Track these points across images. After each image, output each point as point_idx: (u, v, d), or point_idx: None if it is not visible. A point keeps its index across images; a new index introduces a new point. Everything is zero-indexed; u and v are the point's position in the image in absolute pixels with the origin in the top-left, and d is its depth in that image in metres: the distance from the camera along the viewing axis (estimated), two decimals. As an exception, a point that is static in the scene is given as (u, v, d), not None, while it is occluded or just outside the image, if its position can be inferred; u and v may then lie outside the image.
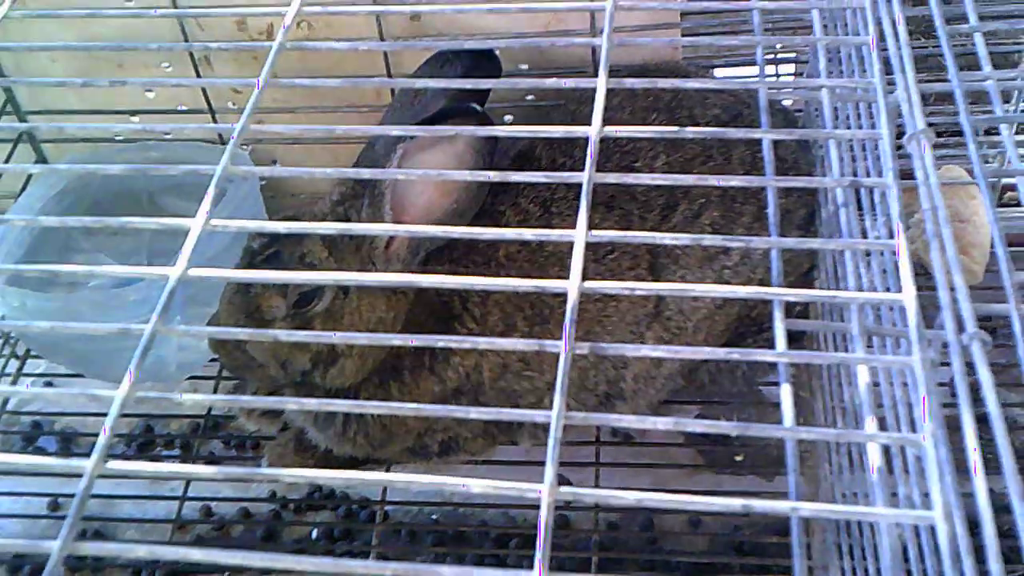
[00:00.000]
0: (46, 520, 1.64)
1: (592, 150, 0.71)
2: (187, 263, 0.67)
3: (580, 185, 1.27)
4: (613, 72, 1.44)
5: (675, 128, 0.73)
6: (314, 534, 1.64)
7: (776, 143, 1.31)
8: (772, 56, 1.69)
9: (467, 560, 1.54)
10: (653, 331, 1.27)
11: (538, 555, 0.53)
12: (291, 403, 0.63)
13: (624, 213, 1.25)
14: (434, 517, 1.63)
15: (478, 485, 0.56)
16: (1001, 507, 0.57)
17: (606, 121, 1.34)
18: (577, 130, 0.73)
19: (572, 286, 0.63)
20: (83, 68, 1.48)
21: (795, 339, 1.28)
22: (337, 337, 0.72)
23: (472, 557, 1.55)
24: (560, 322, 1.26)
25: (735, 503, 0.53)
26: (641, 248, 1.25)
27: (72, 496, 1.65)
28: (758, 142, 1.24)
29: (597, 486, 1.41)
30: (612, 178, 0.70)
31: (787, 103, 1.54)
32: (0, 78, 1.28)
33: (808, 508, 0.52)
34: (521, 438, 1.36)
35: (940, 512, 0.50)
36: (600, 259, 1.25)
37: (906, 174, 1.45)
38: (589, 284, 0.63)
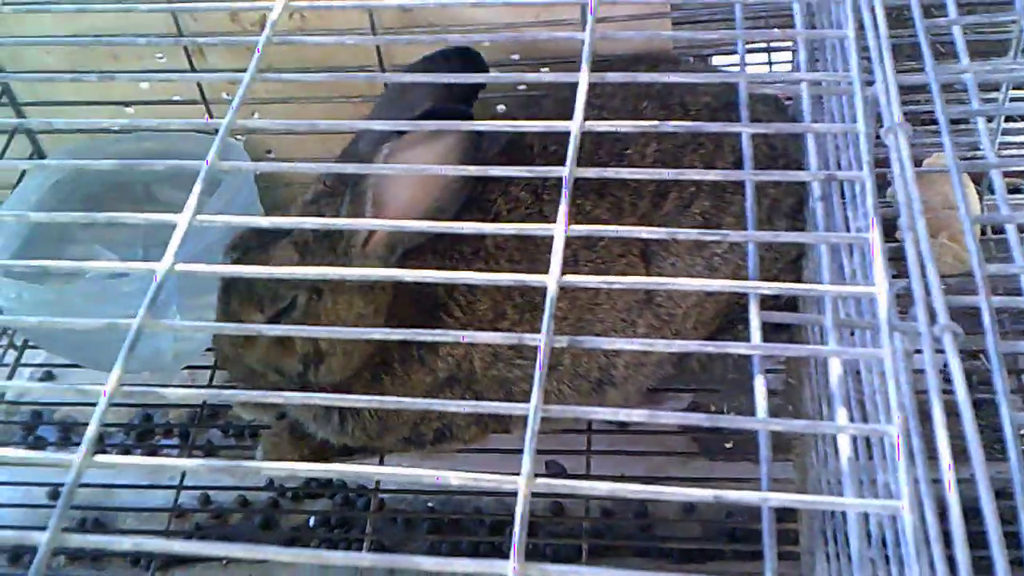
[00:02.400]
0: (46, 509, 1.66)
1: (573, 144, 0.72)
2: (173, 259, 0.68)
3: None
4: (604, 61, 1.45)
5: (655, 122, 0.74)
6: (311, 522, 1.66)
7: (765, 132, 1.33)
8: (765, 45, 1.69)
9: (462, 547, 1.56)
10: (644, 318, 1.28)
11: (514, 546, 0.54)
12: (253, 394, 0.64)
13: (616, 200, 1.26)
14: (429, 504, 1.65)
15: (456, 477, 0.58)
16: (1001, 492, 0.58)
17: (597, 108, 1.34)
18: (559, 125, 0.74)
19: (551, 280, 0.64)
20: (77, 61, 1.49)
21: (785, 329, 1.29)
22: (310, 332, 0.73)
23: (467, 544, 1.57)
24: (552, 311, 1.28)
25: (706, 494, 0.54)
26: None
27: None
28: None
29: (588, 474, 1.42)
30: (592, 172, 0.71)
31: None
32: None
33: (777, 499, 0.53)
34: (514, 426, 1.37)
35: (906, 501, 0.51)
36: (591, 247, 1.26)
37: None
38: (568, 278, 0.64)
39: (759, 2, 1.09)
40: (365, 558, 0.56)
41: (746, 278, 0.69)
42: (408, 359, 1.27)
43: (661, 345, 0.61)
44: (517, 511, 0.55)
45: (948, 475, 0.55)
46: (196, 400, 1.69)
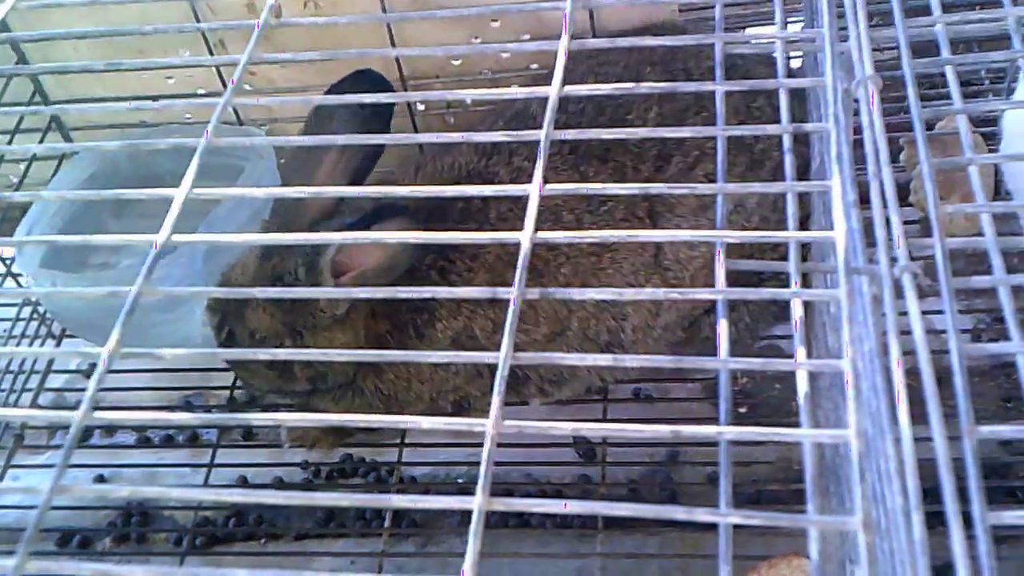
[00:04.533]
0: (91, 495, 1.71)
1: (551, 108, 0.75)
2: (170, 230, 0.72)
3: (580, 141, 1.31)
4: (614, 33, 1.47)
5: (631, 84, 0.77)
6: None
7: (770, 93, 1.34)
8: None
9: (492, 519, 1.59)
10: (652, 282, 1.29)
11: (480, 483, 0.57)
12: (283, 354, 0.67)
13: (618, 165, 1.27)
14: (459, 480, 1.68)
15: (428, 422, 0.61)
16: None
17: (601, 76, 1.36)
18: (538, 90, 0.76)
19: (525, 237, 0.66)
20: (104, 55, 1.54)
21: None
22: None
23: (496, 516, 1.60)
24: (554, 275, 1.30)
25: (664, 429, 0.56)
26: (636, 198, 1.27)
27: (116, 466, 1.72)
28: (752, 91, 1.26)
29: (604, 441, 1.45)
30: (569, 134, 0.73)
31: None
32: (22, 65, 1.35)
33: (732, 432, 0.56)
34: (531, 397, 1.40)
35: (853, 430, 0.53)
36: (594, 210, 1.28)
37: (904, 127, 1.45)
38: (541, 234, 0.67)
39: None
40: (345, 498, 0.59)
41: (750, 240, 0.71)
42: (406, 339, 1.32)
43: (630, 294, 0.64)
44: (484, 450, 0.58)
45: (902, 411, 0.57)
46: (201, 360, 1.75)
